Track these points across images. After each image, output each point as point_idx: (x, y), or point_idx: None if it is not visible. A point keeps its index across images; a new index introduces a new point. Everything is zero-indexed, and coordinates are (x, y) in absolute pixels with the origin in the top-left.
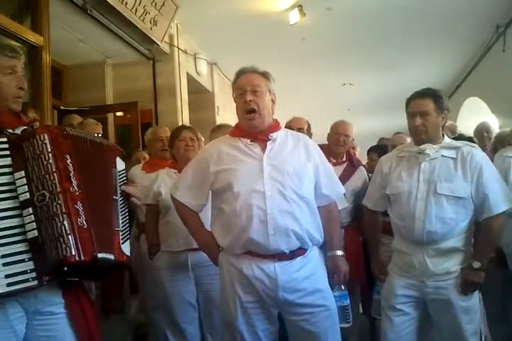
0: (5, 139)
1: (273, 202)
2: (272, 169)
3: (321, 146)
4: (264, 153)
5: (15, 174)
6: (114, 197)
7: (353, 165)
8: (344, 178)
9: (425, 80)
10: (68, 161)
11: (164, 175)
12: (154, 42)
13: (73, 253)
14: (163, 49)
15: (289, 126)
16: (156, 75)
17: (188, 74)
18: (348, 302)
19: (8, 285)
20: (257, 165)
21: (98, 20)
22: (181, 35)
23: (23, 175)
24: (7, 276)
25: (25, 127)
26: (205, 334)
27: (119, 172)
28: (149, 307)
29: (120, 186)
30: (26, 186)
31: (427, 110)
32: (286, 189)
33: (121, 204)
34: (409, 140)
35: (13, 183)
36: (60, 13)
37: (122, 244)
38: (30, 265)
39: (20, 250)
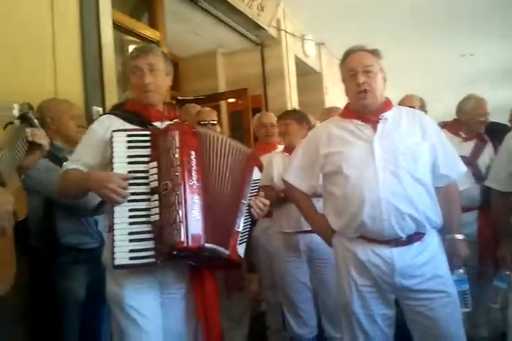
0: (148, 132)
1: (386, 186)
2: (384, 151)
3: (446, 123)
4: (375, 134)
5: (150, 163)
6: (243, 201)
7: (483, 140)
8: (475, 154)
9: None
10: (192, 157)
11: (278, 157)
12: (262, 27)
13: (182, 239)
14: (270, 34)
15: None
16: (265, 60)
17: (295, 56)
18: (466, 287)
19: (131, 258)
20: (368, 147)
21: (208, 11)
22: (288, 17)
23: (156, 165)
24: (131, 251)
25: (169, 122)
26: (321, 315)
27: (254, 180)
28: (265, 285)
29: (251, 195)
30: (156, 175)
31: None
32: (400, 171)
33: (246, 210)
34: None
35: (148, 171)
36: (173, 7)
37: (239, 244)
38: (150, 244)
39: (145, 230)
